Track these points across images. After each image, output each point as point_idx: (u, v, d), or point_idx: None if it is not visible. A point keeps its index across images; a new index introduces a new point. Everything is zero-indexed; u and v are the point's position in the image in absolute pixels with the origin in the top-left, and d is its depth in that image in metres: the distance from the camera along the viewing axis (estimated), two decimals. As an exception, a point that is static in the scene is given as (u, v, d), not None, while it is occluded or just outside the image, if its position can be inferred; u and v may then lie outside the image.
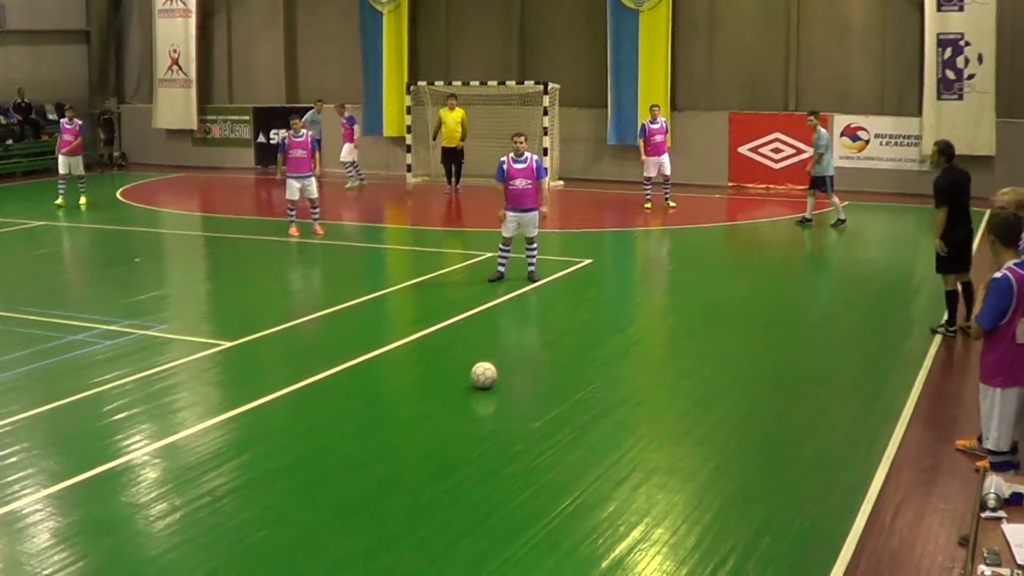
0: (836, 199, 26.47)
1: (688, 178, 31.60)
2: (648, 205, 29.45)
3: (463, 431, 12.85)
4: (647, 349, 17.19)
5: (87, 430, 12.78)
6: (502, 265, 20.42)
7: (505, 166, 20.08)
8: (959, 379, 14.66)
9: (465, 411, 13.57)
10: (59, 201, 31.15)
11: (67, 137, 31.61)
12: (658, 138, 29.31)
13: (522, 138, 20.37)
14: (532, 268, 20.49)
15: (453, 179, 33.58)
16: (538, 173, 20.17)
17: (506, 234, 20.21)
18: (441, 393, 14.11)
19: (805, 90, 33.39)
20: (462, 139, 33.36)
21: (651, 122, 29.34)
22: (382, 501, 10.75)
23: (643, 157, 29.44)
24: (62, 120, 32.65)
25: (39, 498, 10.83)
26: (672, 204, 29.54)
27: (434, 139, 34.40)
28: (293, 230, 25.81)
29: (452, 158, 33.63)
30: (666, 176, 29.44)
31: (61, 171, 31.66)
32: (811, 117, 27.11)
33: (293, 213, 26.06)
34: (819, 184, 26.48)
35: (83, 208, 31.02)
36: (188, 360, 15.63)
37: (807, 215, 26.81)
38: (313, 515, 10.44)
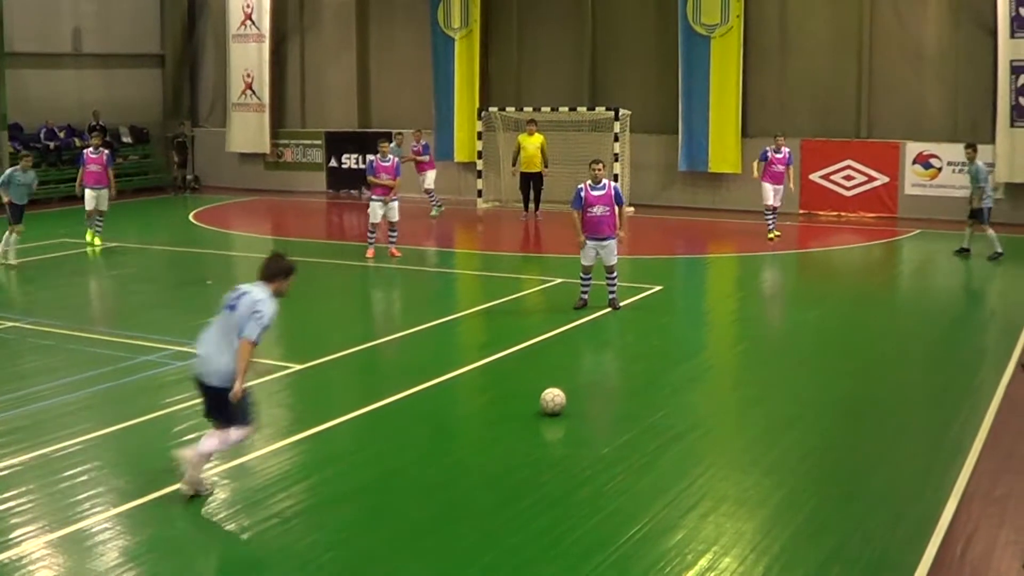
0: (992, 232, 25.89)
1: (759, 205, 31.46)
2: (772, 236, 28.44)
3: (532, 456, 12.83)
4: (716, 377, 17.09)
5: (157, 450, 12.84)
6: (585, 293, 20.27)
7: (583, 193, 19.82)
8: (1033, 411, 14.48)
9: (534, 436, 13.55)
10: (92, 239, 28.25)
11: (92, 168, 28.13)
12: (779, 167, 28.15)
13: (600, 165, 20.14)
14: (613, 295, 20.29)
15: (532, 204, 33.52)
16: (617, 200, 19.93)
17: (585, 262, 20.03)
18: (510, 418, 14.09)
19: (877, 117, 33.18)
20: (544, 164, 33.15)
21: (774, 151, 28.23)
22: (449, 526, 10.75)
23: (755, 175, 28.60)
24: (86, 150, 28.87)
25: (108, 517, 10.91)
26: (775, 233, 28.57)
27: (513, 164, 34.21)
28: (370, 252, 25.94)
29: (531, 183, 33.50)
30: (775, 208, 28.51)
31: (87, 207, 28.17)
32: (968, 150, 26.57)
33: (373, 236, 26.18)
34: (978, 215, 25.99)
35: (97, 251, 27.87)
36: (258, 382, 15.62)
37: (965, 245, 26.28)
38: (380, 538, 10.45)
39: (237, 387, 10.94)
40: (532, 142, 33.00)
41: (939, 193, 32.01)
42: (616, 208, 19.94)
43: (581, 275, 20.23)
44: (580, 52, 36.99)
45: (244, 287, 11.47)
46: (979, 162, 26.23)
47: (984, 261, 25.44)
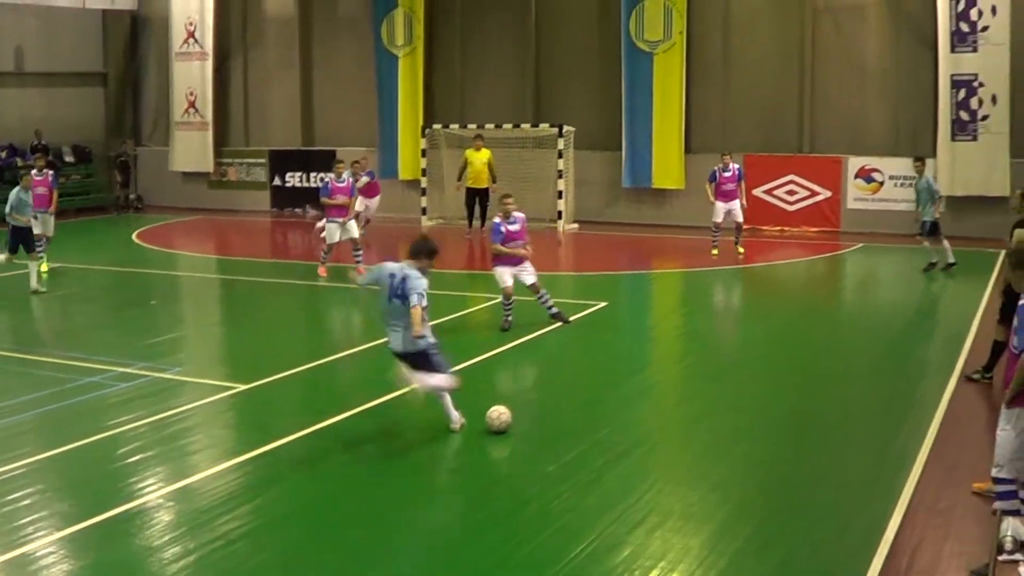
0: (947, 243, 25.97)
1: (703, 220, 31.56)
2: (715, 252, 28.54)
3: (479, 474, 12.81)
4: (662, 392, 17.12)
5: (101, 473, 12.74)
6: (508, 315, 20.12)
7: (503, 228, 19.83)
8: (974, 423, 14.55)
9: (480, 454, 13.52)
10: (43, 267, 26.25)
11: (38, 191, 26.60)
12: (729, 186, 28.31)
13: (510, 199, 20.12)
14: (554, 310, 20.28)
15: (476, 221, 33.43)
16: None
17: (504, 286, 19.93)
18: (455, 436, 14.05)
19: (820, 131, 33.46)
20: (493, 180, 33.03)
21: (723, 170, 28.44)
22: (396, 545, 10.70)
23: (711, 200, 28.64)
24: (31, 172, 27.22)
25: (52, 541, 10.79)
26: (741, 250, 28.64)
27: (459, 179, 34.15)
28: (322, 271, 25.78)
29: (477, 199, 33.43)
30: (738, 223, 28.54)
31: (35, 231, 25.72)
32: (916, 163, 26.77)
33: (327, 256, 26.00)
34: (933, 229, 26.04)
35: (44, 276, 25.98)
36: (202, 403, 15.61)
37: (932, 259, 26.27)
38: (325, 560, 10.38)
39: (417, 331, 13.36)
40: (479, 157, 33.00)
41: (881, 207, 32.33)
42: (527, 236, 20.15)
43: (503, 300, 20.09)
44: (524, 69, 37.09)
45: (394, 269, 13.62)
46: (927, 175, 26.41)
47: (937, 273, 25.68)
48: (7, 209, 24.95)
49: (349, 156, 34.06)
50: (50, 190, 27.69)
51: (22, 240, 24.82)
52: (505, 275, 19.89)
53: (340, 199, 25.77)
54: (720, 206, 28.41)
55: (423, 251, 13.83)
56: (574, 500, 11.71)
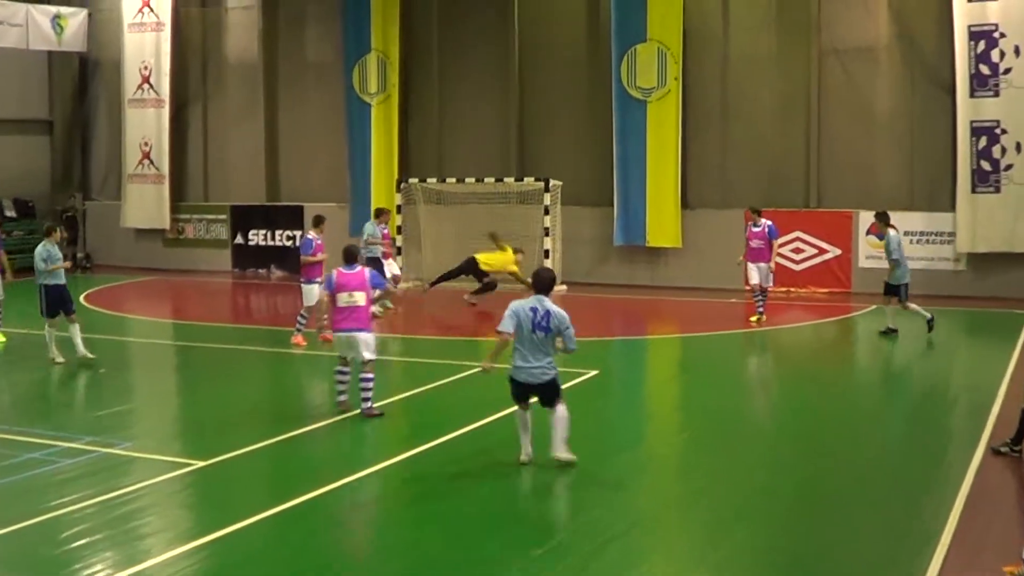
0: (913, 305, 25.95)
1: (702, 281, 31.62)
2: (754, 318, 28.07)
3: (457, 560, 12.67)
4: (658, 468, 17.03)
5: (42, 558, 12.59)
6: (342, 392, 19.34)
7: (334, 275, 19.05)
8: (1002, 500, 14.50)
9: (459, 536, 13.39)
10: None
11: None
12: (756, 243, 27.81)
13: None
14: (367, 400, 19.04)
15: (444, 281, 32.72)
16: (373, 282, 19.28)
17: (340, 352, 19.20)
18: (433, 518, 13.92)
19: (828, 185, 33.54)
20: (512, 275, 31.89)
21: (752, 225, 27.99)
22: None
23: (740, 259, 28.30)
24: None
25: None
26: (753, 319, 28.09)
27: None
28: (298, 339, 25.46)
29: (478, 274, 32.20)
30: (763, 288, 27.98)
31: None
32: (878, 220, 26.71)
33: (304, 322, 25.68)
34: (894, 291, 26.05)
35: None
36: (155, 481, 15.47)
37: (891, 324, 26.22)
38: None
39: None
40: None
41: (896, 266, 32.29)
42: (371, 293, 19.28)
43: (337, 368, 19.36)
44: (507, 118, 37.18)
45: (532, 303, 15.52)
46: (891, 232, 26.32)
47: (949, 336, 25.66)
48: None
49: (316, 212, 33.95)
50: None
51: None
52: (342, 340, 19.14)
53: (321, 257, 25.49)
54: (749, 266, 27.93)
55: (551, 282, 16.11)
56: (562, 587, 11.60)
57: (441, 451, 17.01)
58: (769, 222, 28.05)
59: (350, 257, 19.34)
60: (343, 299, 18.81)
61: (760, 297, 28.14)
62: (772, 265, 28.05)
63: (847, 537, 13.13)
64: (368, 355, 18.90)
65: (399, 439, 18.54)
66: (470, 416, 18.90)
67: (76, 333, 23.97)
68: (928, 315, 25.75)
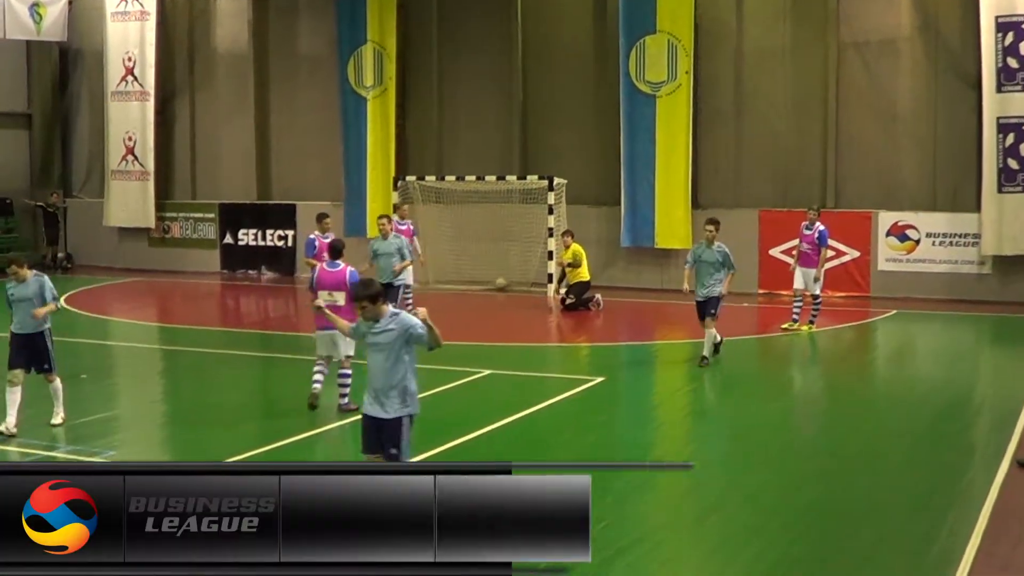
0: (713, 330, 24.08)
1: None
2: (786, 325, 27.65)
3: None
4: (666, 482, 16.95)
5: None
6: (317, 382, 19.65)
7: (317, 271, 19.53)
8: (1029, 516, 14.44)
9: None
10: None
11: None
12: (805, 247, 27.37)
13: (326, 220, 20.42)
14: (344, 396, 19.54)
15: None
16: (350, 279, 19.00)
17: (319, 351, 19.58)
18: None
19: (846, 184, 33.45)
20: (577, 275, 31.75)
21: (805, 227, 27.46)
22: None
23: (792, 265, 27.79)
24: None
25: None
26: (806, 327, 27.54)
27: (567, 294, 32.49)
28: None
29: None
30: (815, 296, 27.56)
31: None
32: (708, 227, 24.13)
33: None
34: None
35: None
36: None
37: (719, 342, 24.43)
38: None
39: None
40: (566, 257, 32.15)
41: (917, 269, 32.28)
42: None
43: (317, 367, 19.68)
44: (510, 113, 37.13)
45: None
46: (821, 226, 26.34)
47: (971, 344, 25.58)
48: None
49: (311, 211, 33.83)
50: None
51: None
52: (321, 340, 19.56)
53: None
54: (797, 271, 27.47)
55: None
56: (565, 606, 11.53)
57: (452, 455, 16.98)
58: (822, 227, 27.45)
59: (334, 253, 19.54)
60: (323, 297, 18.79)
61: (799, 304, 27.65)
62: (820, 273, 27.32)
63: (863, 558, 13.03)
64: (348, 352, 19.22)
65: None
66: (477, 422, 18.91)
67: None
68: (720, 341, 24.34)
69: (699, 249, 23.76)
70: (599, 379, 22.46)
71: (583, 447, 18.41)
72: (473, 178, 35.57)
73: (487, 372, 22.70)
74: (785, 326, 27.76)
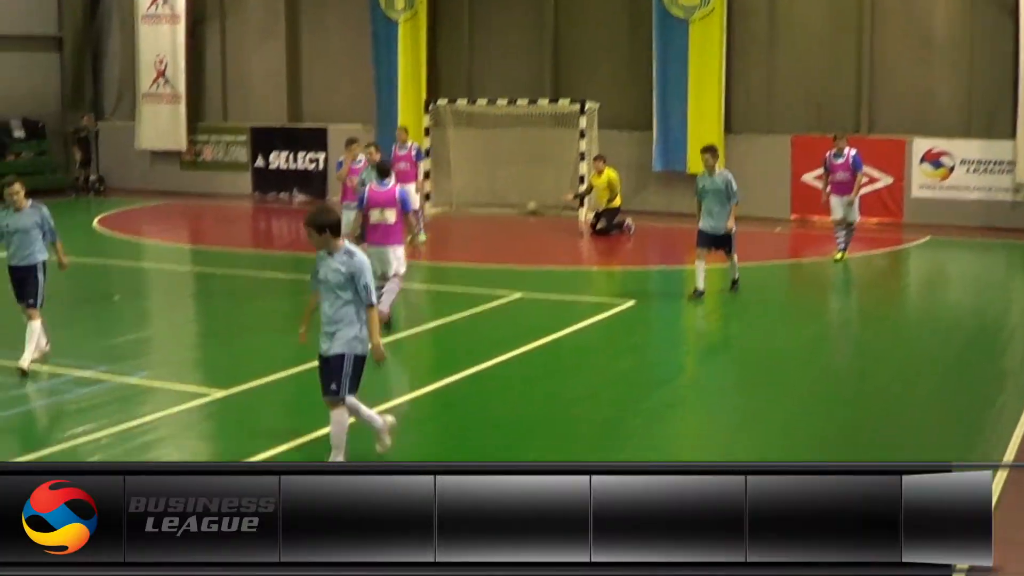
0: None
1: (746, 210, 31.46)
2: (838, 256, 27.05)
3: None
4: (693, 406, 17.06)
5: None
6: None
7: (367, 191, 19.72)
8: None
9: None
10: None
11: None
12: (841, 175, 26.86)
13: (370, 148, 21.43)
14: (386, 303, 19.27)
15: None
16: (403, 206, 19.53)
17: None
18: (467, 451, 14.04)
19: (880, 110, 33.31)
20: (610, 201, 31.87)
21: (835, 156, 27.08)
22: None
23: (824, 196, 27.42)
24: None
25: None
26: (838, 256, 27.10)
27: (574, 198, 33.55)
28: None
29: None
30: (850, 224, 27.07)
31: None
32: (705, 155, 24.03)
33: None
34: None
35: None
36: (172, 411, 15.61)
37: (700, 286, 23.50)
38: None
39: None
40: (599, 182, 32.08)
41: (951, 196, 32.15)
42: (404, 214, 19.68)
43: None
44: (541, 37, 37.02)
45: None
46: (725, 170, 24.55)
47: (1004, 272, 25.58)
48: None
49: (341, 134, 33.63)
50: None
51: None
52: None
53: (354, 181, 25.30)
54: (834, 200, 26.99)
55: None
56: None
57: (470, 383, 17.13)
58: (853, 151, 27.10)
59: (383, 172, 19.90)
60: (374, 215, 19.35)
61: (843, 233, 27.18)
62: (855, 198, 27.01)
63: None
64: (400, 269, 19.60)
65: (426, 370, 18.69)
66: (506, 345, 19.02)
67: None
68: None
69: (702, 179, 23.54)
70: (629, 303, 22.56)
71: (613, 370, 18.54)
72: (504, 102, 35.54)
73: (518, 295, 22.83)
74: (837, 258, 27.08)
